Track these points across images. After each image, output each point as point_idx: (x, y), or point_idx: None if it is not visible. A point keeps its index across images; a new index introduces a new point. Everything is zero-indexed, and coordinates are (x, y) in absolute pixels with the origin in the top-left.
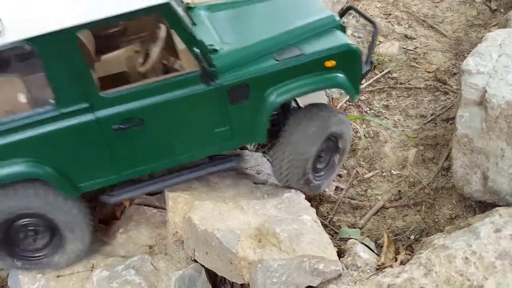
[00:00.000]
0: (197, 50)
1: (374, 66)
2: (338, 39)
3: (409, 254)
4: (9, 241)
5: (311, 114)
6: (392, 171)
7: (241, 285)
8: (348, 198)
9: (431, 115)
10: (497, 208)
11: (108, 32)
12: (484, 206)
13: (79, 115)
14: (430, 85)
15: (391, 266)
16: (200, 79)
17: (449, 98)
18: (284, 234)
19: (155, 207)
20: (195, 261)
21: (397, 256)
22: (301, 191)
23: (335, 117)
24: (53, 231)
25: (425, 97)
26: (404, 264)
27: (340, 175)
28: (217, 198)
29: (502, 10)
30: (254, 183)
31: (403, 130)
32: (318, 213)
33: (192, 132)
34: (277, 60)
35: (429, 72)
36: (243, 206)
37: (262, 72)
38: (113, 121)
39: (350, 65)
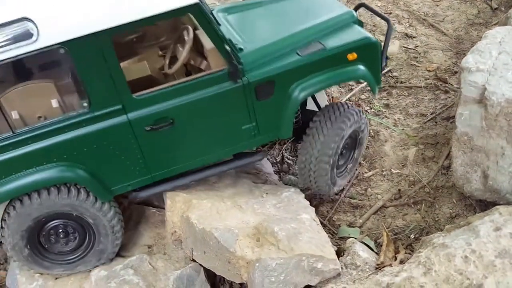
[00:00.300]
0: (228, 48)
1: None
2: (359, 33)
3: (409, 253)
4: (41, 245)
5: (334, 112)
6: (392, 170)
7: (240, 284)
8: (348, 197)
9: (431, 113)
10: (497, 206)
11: (126, 39)
12: (484, 205)
13: (112, 117)
14: (431, 83)
15: (390, 265)
16: (228, 77)
17: (449, 97)
18: (282, 233)
19: (154, 206)
20: (194, 260)
21: (396, 255)
22: (320, 191)
23: (357, 115)
24: (85, 233)
25: (426, 96)
26: (404, 263)
27: None
28: (216, 197)
29: (502, 9)
30: (254, 182)
31: (403, 129)
32: (317, 212)
33: (220, 129)
34: (300, 56)
35: (429, 71)
36: (241, 205)
37: (287, 67)
38: (145, 122)
39: (371, 57)
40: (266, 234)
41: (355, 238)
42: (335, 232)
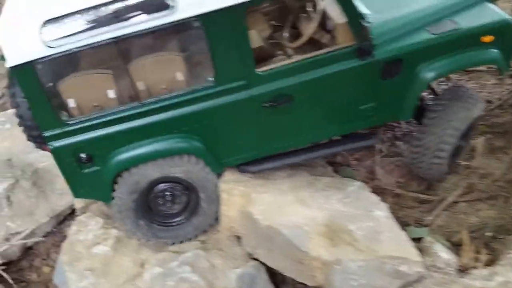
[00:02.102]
0: (362, 23)
1: None
2: (495, 13)
3: (490, 254)
4: (148, 208)
5: (458, 98)
6: (459, 161)
7: (304, 284)
8: (413, 191)
9: (498, 100)
10: None
11: None
12: None
13: (235, 92)
14: (493, 67)
15: (474, 267)
16: (356, 53)
17: None
18: (360, 232)
19: None
20: (254, 258)
21: (478, 256)
22: (431, 176)
23: (478, 101)
24: (190, 198)
25: (488, 81)
26: (489, 265)
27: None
28: (275, 191)
29: None
30: (311, 174)
31: None
32: None
33: (338, 108)
34: (432, 34)
35: None
36: (305, 199)
37: (417, 46)
38: (265, 98)
39: (507, 40)
40: (340, 232)
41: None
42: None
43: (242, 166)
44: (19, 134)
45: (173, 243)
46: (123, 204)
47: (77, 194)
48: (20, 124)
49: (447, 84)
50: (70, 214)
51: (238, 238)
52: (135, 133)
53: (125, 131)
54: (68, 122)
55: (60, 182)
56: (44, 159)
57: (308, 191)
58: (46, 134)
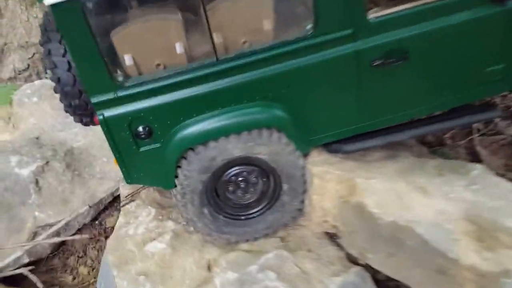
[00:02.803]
0: None
1: None
2: None
3: None
4: (216, 195)
5: None
6: None
7: None
8: None
9: None
10: None
11: None
12: None
13: (337, 45)
14: None
15: None
16: None
17: None
18: None
19: None
20: (356, 263)
21: None
22: None
23: None
24: (268, 186)
25: None
26: None
27: None
28: (382, 176)
29: None
30: (413, 155)
31: None
32: None
33: (459, 70)
34: None
35: None
36: (425, 187)
37: None
38: (374, 54)
39: None
40: (493, 231)
41: None
42: None
43: (334, 145)
44: (49, 109)
45: (237, 242)
46: (190, 185)
47: (131, 179)
48: (56, 90)
49: None
50: (112, 202)
51: (331, 236)
52: (209, 100)
53: (196, 97)
54: (124, 85)
55: (100, 164)
56: (79, 138)
57: (422, 176)
58: (95, 99)
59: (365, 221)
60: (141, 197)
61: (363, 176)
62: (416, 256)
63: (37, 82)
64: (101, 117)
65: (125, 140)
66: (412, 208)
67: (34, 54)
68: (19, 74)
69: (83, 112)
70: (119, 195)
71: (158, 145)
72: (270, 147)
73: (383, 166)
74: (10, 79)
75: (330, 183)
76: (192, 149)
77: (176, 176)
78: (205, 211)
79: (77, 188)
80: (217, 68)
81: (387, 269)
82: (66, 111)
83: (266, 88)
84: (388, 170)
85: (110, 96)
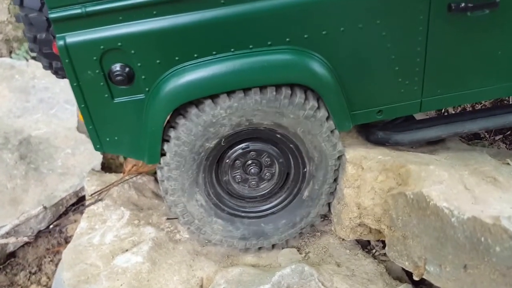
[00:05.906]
0: None
1: None
2: None
3: None
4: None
5: None
6: None
7: None
8: None
9: None
10: None
11: None
12: None
13: None
14: None
15: None
16: None
17: None
18: None
19: None
20: (403, 280)
21: None
22: None
23: None
24: (287, 175)
25: None
26: None
27: None
28: (437, 162)
29: None
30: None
31: None
32: None
33: None
34: None
35: None
36: (496, 177)
37: None
38: None
39: None
40: None
41: None
42: None
43: (380, 133)
44: (6, 91)
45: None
46: (185, 156)
47: (100, 144)
48: (18, 19)
49: None
50: (75, 204)
51: (363, 245)
52: (216, 35)
53: (198, 28)
54: None
55: (63, 157)
56: (41, 125)
57: (486, 164)
58: (54, 14)
59: (429, 220)
60: (112, 195)
61: (410, 161)
62: (504, 268)
63: None
64: (61, 42)
65: (94, 83)
66: (487, 202)
67: None
68: None
69: (51, 51)
70: (84, 195)
71: (141, 95)
72: (302, 115)
73: (434, 151)
74: None
75: (370, 172)
76: (192, 104)
77: (166, 140)
78: (199, 197)
79: (31, 185)
80: None
81: (454, 285)
82: (31, 50)
83: (300, 26)
84: (439, 156)
85: (77, 10)
